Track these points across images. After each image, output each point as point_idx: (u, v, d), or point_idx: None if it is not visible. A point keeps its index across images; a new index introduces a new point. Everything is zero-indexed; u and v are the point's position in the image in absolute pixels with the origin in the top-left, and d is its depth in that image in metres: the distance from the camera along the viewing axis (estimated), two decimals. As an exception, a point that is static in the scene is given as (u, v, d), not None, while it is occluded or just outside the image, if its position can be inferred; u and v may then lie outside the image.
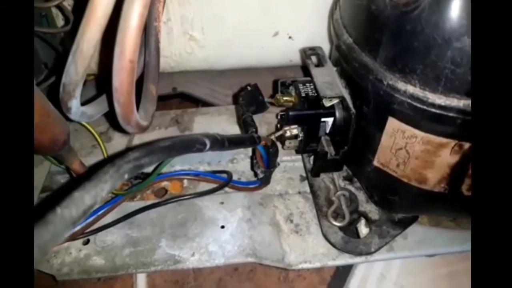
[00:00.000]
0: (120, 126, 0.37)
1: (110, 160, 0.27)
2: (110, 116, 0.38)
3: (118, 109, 0.32)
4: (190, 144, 0.35)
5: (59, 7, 0.62)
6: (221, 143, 0.39)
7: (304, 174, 0.66)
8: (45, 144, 0.44)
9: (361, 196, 0.61)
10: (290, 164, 0.68)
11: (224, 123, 0.75)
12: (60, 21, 0.70)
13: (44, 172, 0.67)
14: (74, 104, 0.35)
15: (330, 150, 0.54)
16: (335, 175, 0.62)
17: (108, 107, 0.44)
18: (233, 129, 0.74)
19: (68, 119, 0.40)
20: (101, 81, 0.72)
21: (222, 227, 0.57)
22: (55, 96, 0.38)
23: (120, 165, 0.27)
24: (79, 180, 0.53)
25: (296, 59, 0.80)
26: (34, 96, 0.41)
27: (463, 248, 0.56)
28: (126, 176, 0.27)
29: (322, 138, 0.55)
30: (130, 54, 0.29)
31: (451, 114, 0.40)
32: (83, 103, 0.40)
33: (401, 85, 0.42)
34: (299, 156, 0.68)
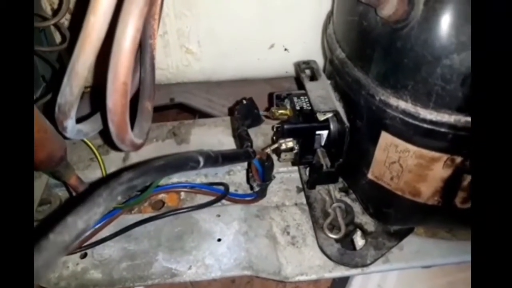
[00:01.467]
0: (114, 143, 0.37)
1: (107, 179, 0.28)
2: (105, 134, 0.38)
3: (112, 129, 0.33)
4: (183, 163, 0.35)
5: (56, 25, 0.63)
6: (215, 159, 0.40)
7: (300, 186, 0.67)
8: (43, 160, 0.45)
9: (357, 207, 0.61)
10: (287, 175, 0.69)
11: (220, 134, 0.76)
12: (57, 37, 0.71)
13: (42, 185, 0.67)
14: (70, 124, 0.36)
15: (326, 162, 0.55)
16: (331, 187, 0.62)
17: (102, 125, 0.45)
18: (230, 140, 0.74)
19: (66, 137, 0.40)
20: (96, 94, 0.72)
21: (219, 240, 0.57)
22: (51, 112, 0.39)
23: (113, 187, 0.27)
24: (74, 200, 0.54)
25: (292, 70, 0.80)
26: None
27: (460, 259, 0.57)
28: (119, 198, 0.27)
29: (318, 150, 0.56)
30: (124, 77, 0.29)
31: (442, 130, 0.41)
32: (79, 118, 0.41)
33: (393, 101, 0.43)
34: (296, 167, 0.68)
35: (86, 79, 0.32)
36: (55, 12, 0.65)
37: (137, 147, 0.37)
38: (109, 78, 0.30)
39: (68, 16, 0.66)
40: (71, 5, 0.65)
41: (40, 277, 0.21)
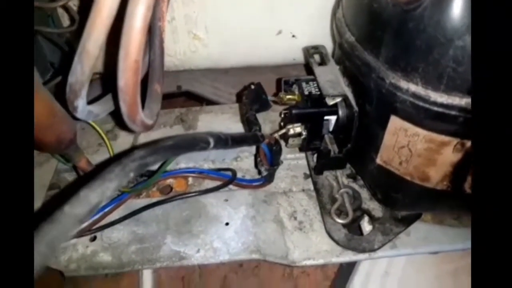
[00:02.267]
0: (125, 124, 0.38)
1: (117, 158, 0.28)
2: (116, 115, 0.39)
3: (123, 108, 0.33)
4: (194, 143, 0.35)
5: (65, 7, 0.63)
6: (225, 141, 0.40)
7: (307, 172, 0.67)
8: (52, 143, 0.45)
9: (364, 193, 0.61)
10: (294, 162, 0.69)
11: (227, 121, 0.76)
12: (66, 20, 0.71)
13: (51, 170, 0.68)
14: (80, 103, 0.36)
15: (334, 148, 0.55)
16: (338, 172, 0.62)
17: (113, 106, 0.45)
18: (237, 127, 0.74)
19: (75, 118, 0.40)
20: (106, 80, 0.73)
21: (227, 224, 0.58)
22: (62, 95, 0.39)
23: (125, 164, 0.28)
24: (86, 177, 0.54)
25: (299, 57, 0.80)
26: (41, 94, 0.42)
27: (466, 245, 0.57)
28: (131, 175, 0.28)
29: (326, 136, 0.56)
30: (135, 55, 0.29)
31: (453, 113, 0.40)
32: (89, 102, 0.41)
33: (403, 84, 0.42)
34: (303, 154, 0.68)
35: (97, 58, 0.32)
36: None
37: (147, 128, 0.37)
38: (120, 57, 0.30)
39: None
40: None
41: (55, 248, 0.21)
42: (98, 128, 0.61)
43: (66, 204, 0.23)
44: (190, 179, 0.66)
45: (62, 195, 0.62)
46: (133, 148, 0.30)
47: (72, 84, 0.33)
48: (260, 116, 0.62)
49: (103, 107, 0.43)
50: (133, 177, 0.28)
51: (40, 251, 0.20)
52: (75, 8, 0.65)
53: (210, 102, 0.93)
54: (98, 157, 0.68)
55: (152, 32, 0.44)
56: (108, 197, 0.26)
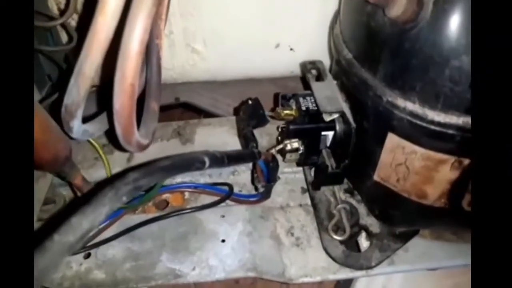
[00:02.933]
0: (120, 144, 0.37)
1: (111, 180, 0.27)
2: (110, 134, 0.38)
3: (119, 130, 0.32)
4: (189, 163, 0.35)
5: (63, 25, 0.63)
6: (221, 160, 0.40)
7: (305, 186, 0.66)
8: (48, 160, 0.45)
9: (362, 209, 0.61)
10: (291, 175, 0.68)
11: (225, 134, 0.76)
12: (64, 35, 0.71)
13: (46, 184, 0.67)
14: (76, 124, 0.36)
15: (331, 163, 0.55)
16: (336, 188, 0.62)
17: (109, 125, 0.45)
18: (234, 140, 0.74)
19: (71, 138, 0.40)
20: (102, 93, 0.72)
21: (223, 241, 0.57)
22: (57, 112, 0.39)
23: (118, 187, 0.27)
24: (79, 200, 0.54)
25: (297, 70, 0.80)
26: (37, 113, 0.42)
27: (465, 261, 0.56)
28: (124, 199, 0.27)
29: (323, 150, 0.56)
30: (131, 78, 0.29)
31: (450, 131, 0.40)
32: (84, 117, 0.41)
33: (401, 102, 0.42)
34: (300, 168, 0.68)
35: (93, 80, 0.31)
36: (62, 12, 0.65)
37: (143, 148, 0.37)
38: (116, 79, 0.29)
39: (75, 16, 0.67)
40: (78, 5, 0.65)
41: (44, 279, 0.20)
42: (94, 143, 0.60)
43: (56, 232, 0.22)
44: (186, 193, 0.65)
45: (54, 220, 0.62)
46: (127, 170, 0.29)
47: (68, 105, 0.33)
48: (257, 130, 0.62)
49: (98, 126, 0.43)
50: (125, 201, 0.28)
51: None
52: (73, 25, 0.65)
53: (208, 114, 0.92)
54: (94, 171, 0.68)
55: (150, 50, 0.44)
56: (100, 223, 0.25)
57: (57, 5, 0.69)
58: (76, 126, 0.36)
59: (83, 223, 0.23)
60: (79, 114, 0.35)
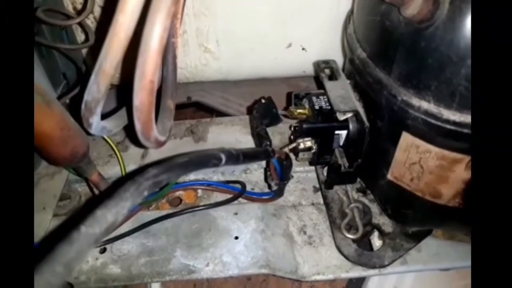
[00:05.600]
0: (137, 139, 0.38)
1: (130, 176, 0.28)
2: (128, 129, 0.39)
3: (138, 126, 0.33)
4: (206, 160, 0.35)
5: (80, 23, 0.64)
6: (236, 157, 0.40)
7: (317, 185, 0.67)
8: (66, 156, 0.46)
9: (374, 208, 0.61)
10: (304, 174, 0.69)
11: (237, 133, 0.76)
12: (79, 34, 0.73)
13: (62, 180, 0.68)
14: (95, 120, 0.36)
15: (344, 162, 0.55)
16: (349, 187, 0.62)
17: (126, 121, 0.46)
18: (247, 139, 0.74)
19: (89, 134, 0.41)
20: (120, 92, 0.74)
21: (236, 238, 0.58)
22: (75, 109, 0.40)
23: (140, 183, 0.28)
24: (100, 197, 0.55)
25: (309, 70, 0.80)
26: (55, 110, 0.43)
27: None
28: (145, 193, 0.28)
29: (336, 150, 0.56)
30: (151, 75, 0.30)
31: (465, 131, 0.40)
32: (102, 114, 0.41)
33: (415, 101, 0.42)
34: (312, 167, 0.68)
35: (113, 77, 0.32)
36: (79, 11, 0.67)
37: (160, 144, 0.38)
38: (136, 76, 0.30)
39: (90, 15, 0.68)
40: (95, 5, 0.66)
41: (72, 269, 0.21)
42: (108, 140, 0.62)
43: (83, 224, 0.23)
44: (199, 191, 0.66)
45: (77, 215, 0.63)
46: (147, 166, 0.30)
47: (88, 102, 0.34)
48: (269, 128, 0.62)
49: (116, 123, 0.43)
50: (146, 196, 0.28)
51: (57, 271, 0.20)
52: (90, 24, 0.66)
53: (219, 113, 0.93)
54: (108, 168, 0.69)
55: (166, 49, 0.44)
56: (123, 216, 0.26)
57: (72, 3, 0.70)
58: (95, 123, 0.37)
59: (107, 216, 0.24)
60: (99, 110, 0.36)
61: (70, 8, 0.71)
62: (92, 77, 0.32)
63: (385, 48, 0.46)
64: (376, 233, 0.59)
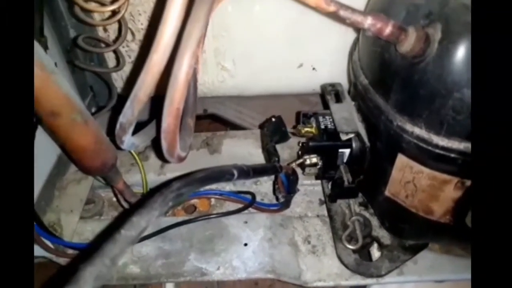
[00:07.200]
0: (160, 152, 0.44)
1: (157, 189, 0.34)
2: (155, 144, 0.44)
3: (164, 146, 0.39)
4: (221, 175, 0.41)
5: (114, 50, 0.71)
6: (247, 173, 0.46)
7: (323, 198, 0.71)
8: (98, 167, 0.52)
9: (375, 221, 0.65)
10: (310, 188, 0.74)
11: (250, 146, 0.82)
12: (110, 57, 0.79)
13: (88, 186, 0.74)
14: (127, 138, 0.42)
15: (348, 178, 0.59)
16: (351, 201, 0.67)
17: (151, 137, 0.51)
18: (258, 152, 0.79)
19: (119, 148, 0.47)
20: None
21: (245, 244, 0.63)
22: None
23: (166, 195, 0.34)
24: (131, 209, 0.61)
25: (319, 88, 0.85)
26: (91, 126, 0.49)
27: (472, 275, 0.59)
28: (170, 204, 0.33)
29: (341, 166, 0.61)
30: (178, 103, 0.36)
31: (452, 155, 0.45)
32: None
33: (409, 127, 0.47)
34: (319, 181, 0.73)
35: (145, 104, 0.38)
36: (115, 40, 0.73)
37: (181, 160, 0.43)
38: (166, 104, 0.36)
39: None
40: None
41: (116, 263, 0.27)
42: (131, 151, 0.67)
43: (122, 228, 0.28)
44: (213, 200, 0.71)
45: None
46: (171, 180, 0.35)
47: (123, 123, 0.40)
48: (279, 144, 0.67)
49: (142, 139, 0.49)
50: (171, 206, 0.34)
51: (105, 263, 0.26)
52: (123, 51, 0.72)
53: (233, 125, 0.98)
54: (130, 177, 0.75)
55: (188, 74, 0.50)
56: (152, 223, 0.31)
57: (105, 31, 0.77)
58: (127, 140, 0.43)
59: (141, 222, 0.30)
60: (131, 130, 0.41)
61: (101, 33, 0.78)
62: (128, 103, 0.38)
63: (384, 77, 0.51)
64: (375, 245, 0.63)
